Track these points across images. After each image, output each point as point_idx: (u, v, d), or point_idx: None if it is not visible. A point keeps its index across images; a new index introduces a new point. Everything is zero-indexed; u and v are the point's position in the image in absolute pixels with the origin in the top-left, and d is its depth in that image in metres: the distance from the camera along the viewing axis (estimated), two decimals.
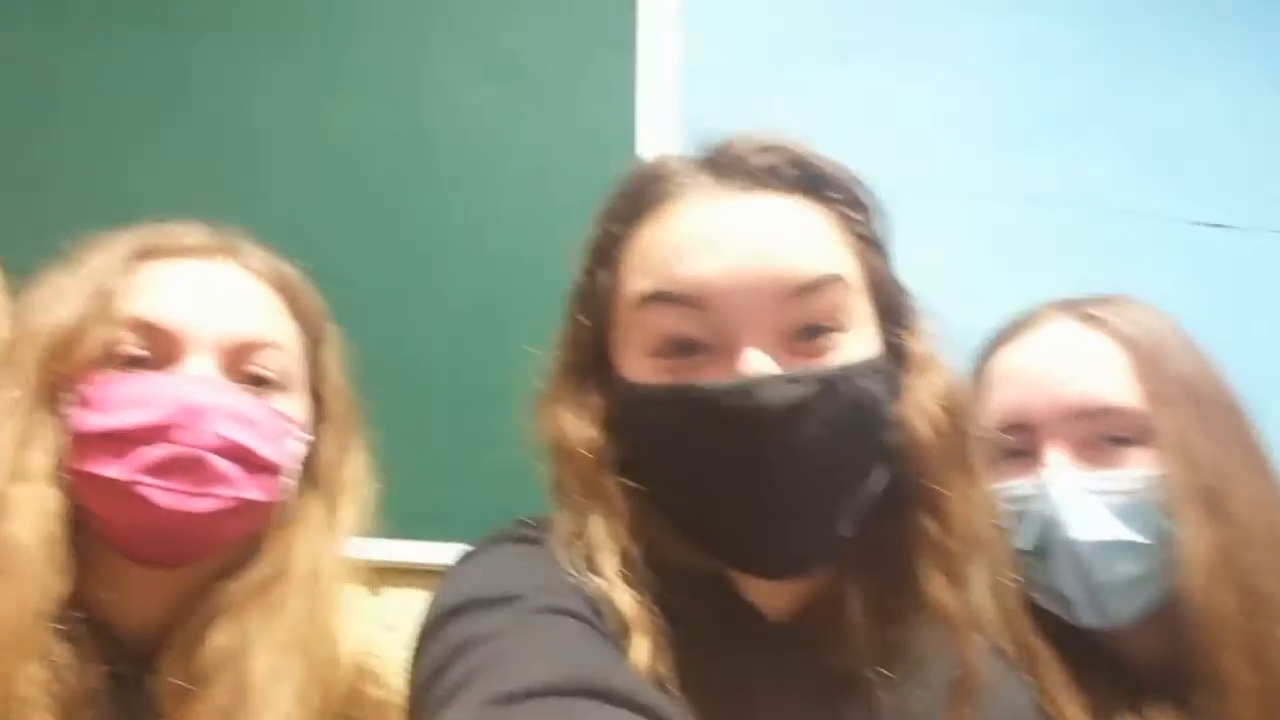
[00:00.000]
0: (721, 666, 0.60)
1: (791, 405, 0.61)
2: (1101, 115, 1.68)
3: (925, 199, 1.45)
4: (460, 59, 1.49)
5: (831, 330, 0.65)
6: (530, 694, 0.49)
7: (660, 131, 1.48)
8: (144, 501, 0.72)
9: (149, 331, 0.77)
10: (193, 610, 0.77)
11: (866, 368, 0.65)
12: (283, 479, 0.80)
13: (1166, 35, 1.77)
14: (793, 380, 0.62)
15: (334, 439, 0.86)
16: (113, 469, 0.73)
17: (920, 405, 0.66)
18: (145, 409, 0.74)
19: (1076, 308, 0.84)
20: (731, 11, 1.63)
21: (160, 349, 0.77)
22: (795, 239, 0.66)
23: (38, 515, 0.71)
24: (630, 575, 0.62)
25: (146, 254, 0.81)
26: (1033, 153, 1.64)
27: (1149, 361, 0.79)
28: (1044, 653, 0.75)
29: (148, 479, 0.72)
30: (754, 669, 0.63)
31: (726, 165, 0.69)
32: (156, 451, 0.73)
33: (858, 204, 0.70)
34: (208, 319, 0.79)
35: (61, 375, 0.75)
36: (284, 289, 0.86)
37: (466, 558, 0.69)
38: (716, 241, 0.65)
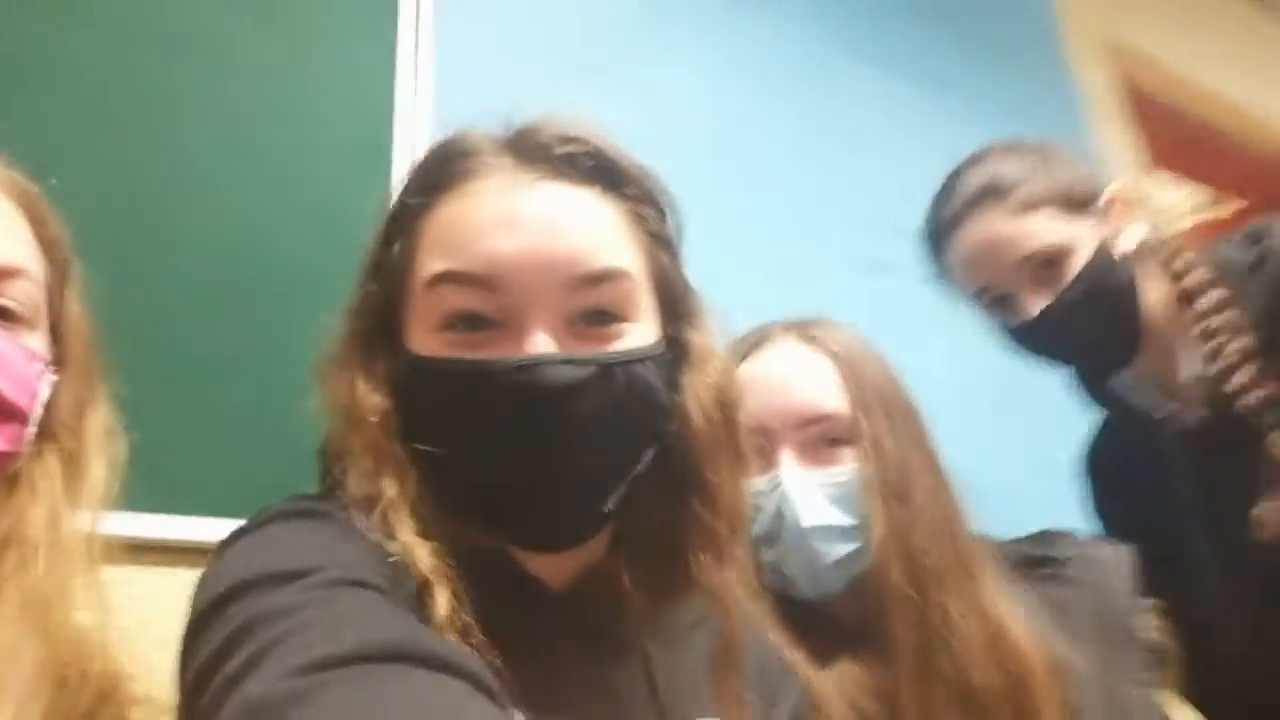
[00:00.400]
0: (509, 627, 0.62)
1: (570, 385, 0.64)
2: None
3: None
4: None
5: (615, 319, 0.68)
6: (337, 662, 0.47)
7: (414, 114, 1.39)
8: None
9: None
10: None
11: (644, 355, 0.69)
12: (27, 430, 0.69)
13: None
14: (572, 362, 0.65)
15: (74, 386, 0.75)
16: None
17: (696, 395, 0.72)
18: None
19: (798, 328, 0.96)
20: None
21: None
22: (587, 230, 0.68)
23: None
24: (425, 533, 0.63)
25: None
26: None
27: (853, 375, 0.92)
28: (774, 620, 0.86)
29: None
30: (538, 631, 0.67)
31: (529, 150, 0.70)
32: None
33: (651, 201, 0.74)
34: None
35: None
36: (31, 211, 0.73)
37: (240, 534, 0.64)
38: (512, 225, 0.67)
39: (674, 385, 0.72)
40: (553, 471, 0.65)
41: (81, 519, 0.71)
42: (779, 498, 0.88)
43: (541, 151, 0.70)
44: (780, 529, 0.88)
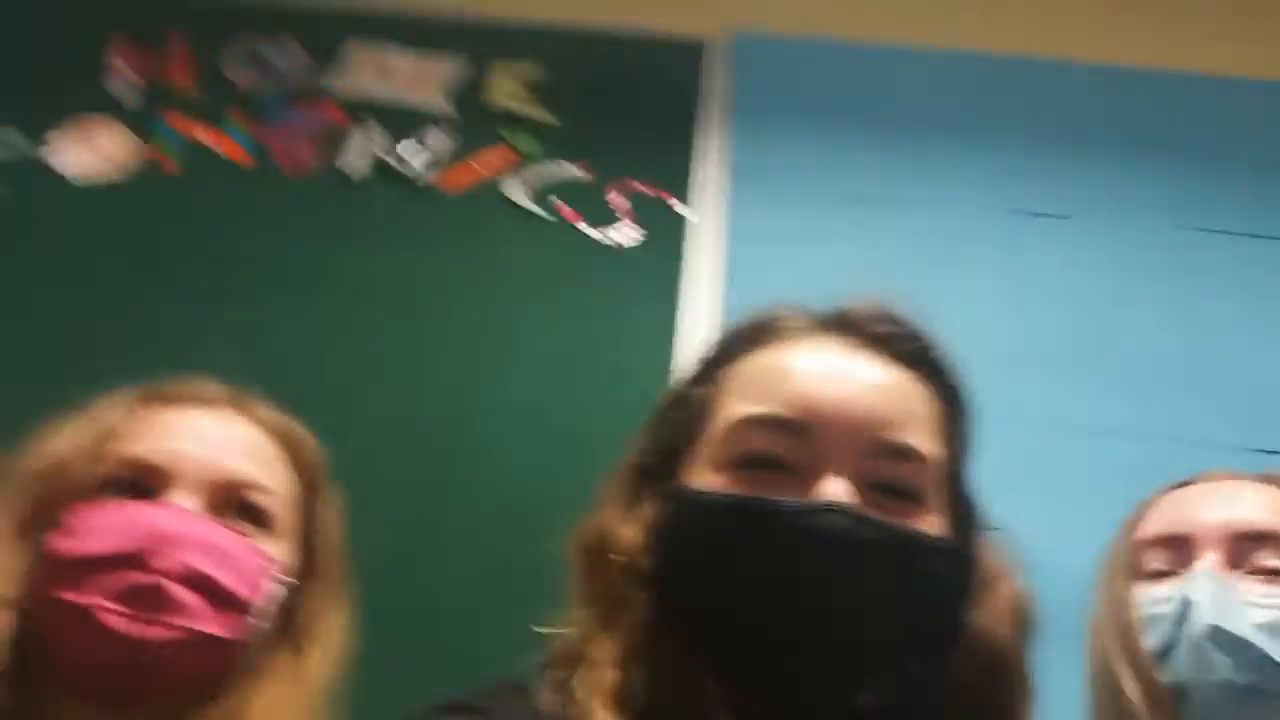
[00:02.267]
0: None
1: (862, 542, 0.58)
2: (1136, 344, 1.68)
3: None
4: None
5: (911, 500, 0.63)
6: None
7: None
8: (98, 627, 0.70)
9: (138, 465, 0.78)
10: None
11: (946, 547, 0.63)
12: (251, 620, 0.77)
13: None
14: (868, 522, 0.59)
15: (318, 593, 0.84)
16: (76, 594, 0.71)
17: (997, 611, 0.65)
18: (117, 536, 0.73)
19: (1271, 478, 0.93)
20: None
21: (148, 482, 0.77)
22: (900, 404, 0.65)
23: None
24: (620, 701, 0.59)
25: (151, 400, 0.84)
26: (1073, 379, 1.61)
27: None
28: None
29: (107, 603, 0.70)
30: None
31: (845, 325, 0.69)
32: (120, 578, 0.71)
33: (958, 401, 0.70)
34: (197, 457, 0.79)
35: (49, 504, 0.76)
36: (284, 440, 0.86)
37: None
38: (829, 378, 0.65)
39: (962, 596, 0.64)
40: (814, 629, 0.58)
41: (300, 707, 0.78)
42: (1187, 597, 0.84)
43: (859, 327, 0.69)
44: (1181, 635, 0.83)
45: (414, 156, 1.72)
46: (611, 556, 0.65)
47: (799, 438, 0.62)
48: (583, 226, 1.64)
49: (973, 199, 1.78)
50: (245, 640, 0.77)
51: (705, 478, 0.65)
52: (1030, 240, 1.73)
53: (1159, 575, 0.88)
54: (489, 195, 1.69)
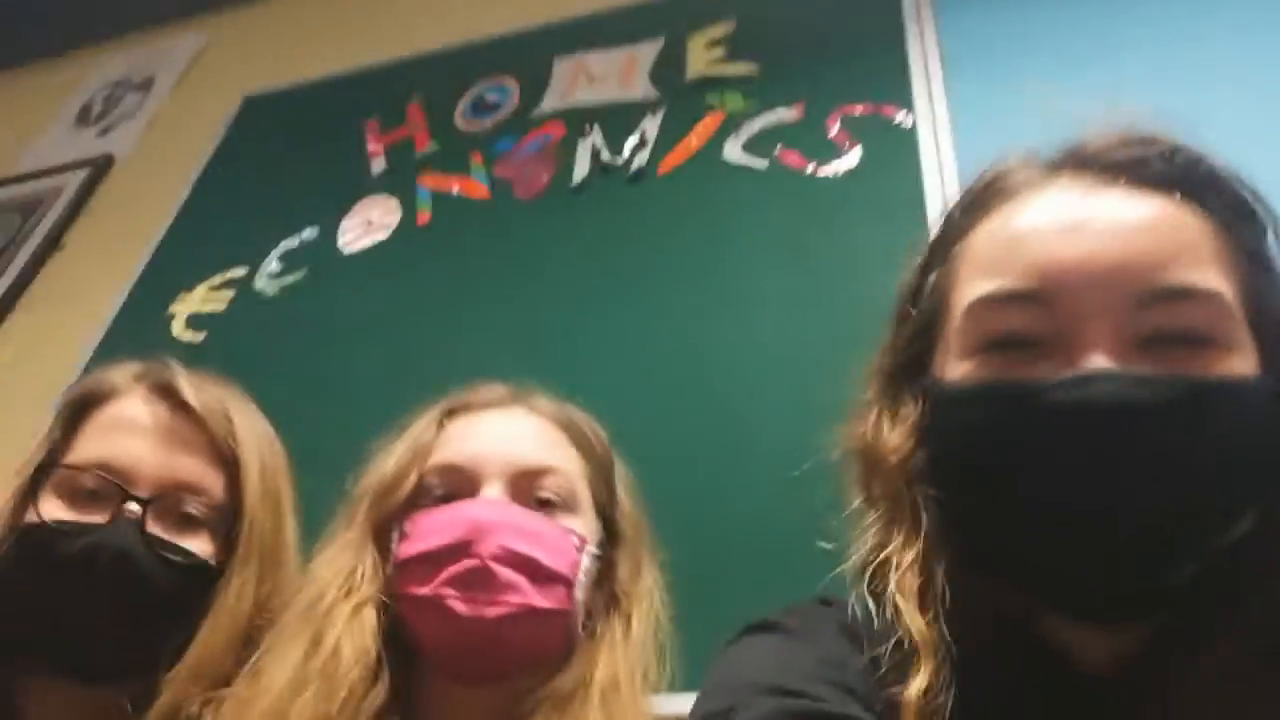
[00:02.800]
0: (1025, 717, 0.53)
1: (1136, 407, 0.52)
2: None
3: None
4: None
5: (1203, 343, 0.55)
6: None
7: None
8: (447, 612, 0.81)
9: (451, 472, 0.90)
10: None
11: (1251, 388, 0.54)
12: (573, 592, 0.86)
13: None
14: (1142, 382, 0.52)
15: (627, 559, 0.94)
16: (424, 587, 0.83)
17: None
18: (445, 533, 0.84)
19: None
20: None
21: (461, 485, 0.89)
22: (1165, 238, 0.57)
23: (357, 631, 0.82)
24: (927, 600, 0.57)
25: (452, 412, 0.96)
26: None
27: None
28: None
29: (449, 591, 0.82)
30: None
31: (1086, 159, 0.62)
32: (455, 567, 0.82)
33: (1246, 213, 0.60)
34: (497, 455, 0.90)
35: (386, 516, 0.89)
36: (567, 426, 0.96)
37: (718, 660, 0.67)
38: (1068, 231, 0.58)
39: None
40: (1107, 515, 0.52)
41: (636, 660, 0.87)
42: None
43: (1099, 158, 0.62)
44: None
45: (633, 150, 1.78)
46: (886, 462, 0.62)
47: (1045, 307, 0.56)
48: (810, 167, 1.61)
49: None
50: (572, 610, 0.86)
51: (956, 368, 0.60)
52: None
53: None
54: (709, 162, 1.71)
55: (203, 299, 1.93)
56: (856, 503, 0.67)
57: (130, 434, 0.93)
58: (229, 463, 0.96)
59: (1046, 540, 0.55)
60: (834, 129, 1.66)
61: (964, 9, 1.74)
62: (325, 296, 1.85)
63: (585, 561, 0.88)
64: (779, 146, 1.67)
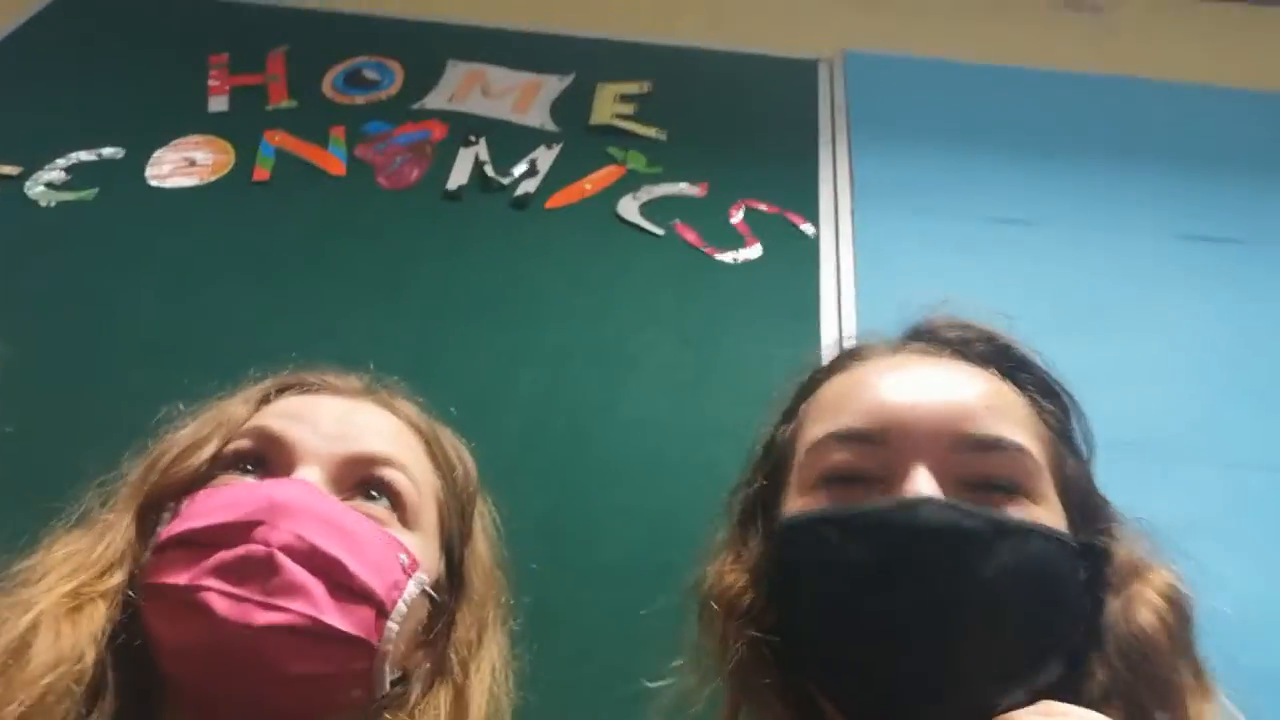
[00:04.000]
0: None
1: (959, 531, 0.56)
2: None
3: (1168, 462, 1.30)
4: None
5: (1012, 492, 0.60)
6: None
7: None
8: (203, 609, 0.57)
9: (263, 438, 0.67)
10: None
11: (1056, 536, 0.59)
12: (387, 623, 0.63)
13: None
14: (963, 510, 0.57)
15: (470, 615, 0.72)
16: (179, 575, 0.59)
17: (1143, 601, 0.60)
18: (228, 510, 0.61)
19: None
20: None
21: (272, 459, 0.67)
22: (982, 397, 0.63)
23: (68, 629, 0.58)
24: None
25: (285, 388, 0.74)
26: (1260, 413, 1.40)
27: None
28: None
29: (212, 582, 0.58)
30: None
31: (922, 335, 0.71)
32: (228, 553, 0.59)
33: (1052, 395, 0.68)
34: (326, 436, 0.68)
35: (161, 491, 0.66)
36: (429, 436, 0.75)
37: None
38: (901, 383, 0.64)
39: (1094, 595, 0.61)
40: (931, 640, 0.54)
41: None
42: None
43: (934, 336, 0.70)
44: None
45: (522, 174, 1.63)
46: (718, 600, 0.65)
47: (879, 445, 0.61)
48: (704, 247, 1.53)
49: (1102, 218, 1.65)
50: (378, 648, 0.63)
51: (795, 504, 0.64)
52: (1198, 266, 1.58)
53: None
54: (600, 212, 1.59)
55: None
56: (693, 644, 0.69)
57: None
58: None
59: (873, 669, 0.56)
60: (736, 217, 1.59)
61: (879, 146, 1.75)
62: (115, 226, 1.53)
63: (411, 589, 0.66)
64: (676, 220, 1.58)
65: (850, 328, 1.41)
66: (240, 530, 0.60)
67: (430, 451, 0.75)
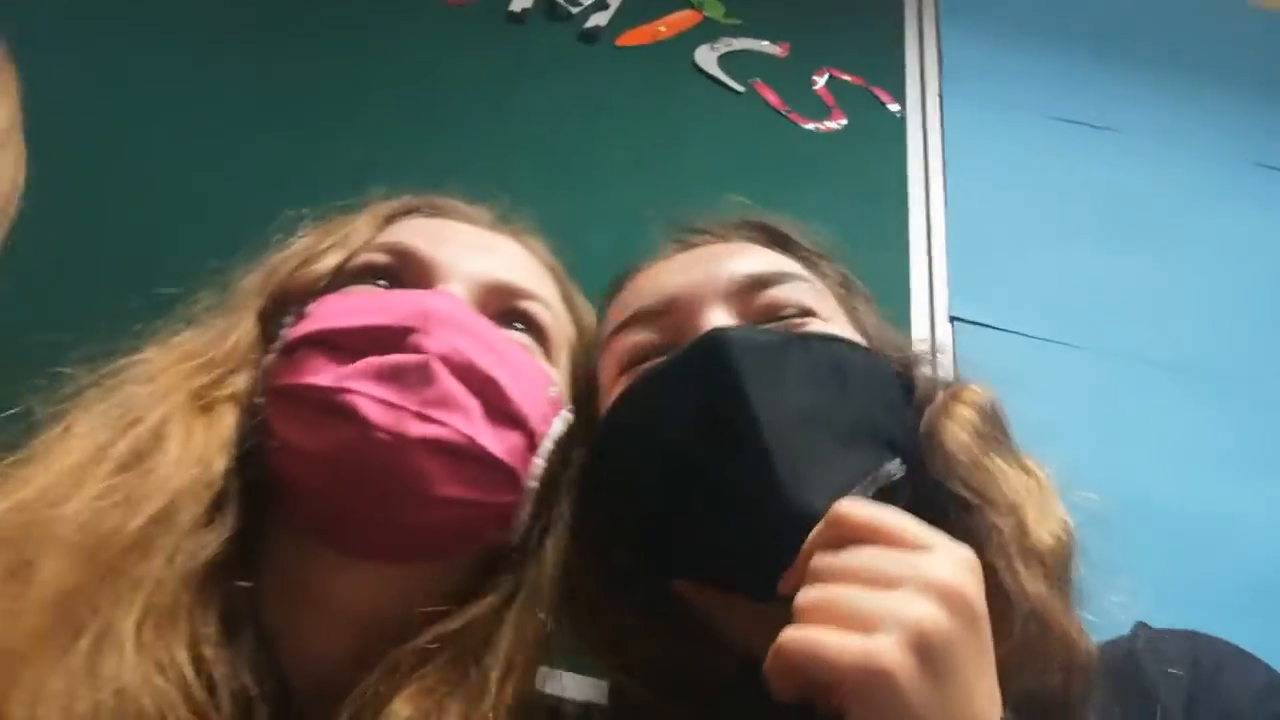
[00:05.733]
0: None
1: (765, 346, 0.56)
2: None
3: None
4: None
5: (802, 315, 0.61)
6: None
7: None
8: (350, 413, 0.50)
9: (405, 255, 0.60)
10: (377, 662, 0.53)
11: (855, 345, 0.61)
12: (534, 457, 0.58)
13: None
14: (761, 331, 0.59)
15: None
16: (319, 375, 0.52)
17: (954, 411, 0.61)
18: (376, 314, 0.54)
19: None
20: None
21: (408, 274, 0.59)
22: (759, 257, 0.66)
23: (200, 430, 0.52)
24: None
25: (412, 209, 0.69)
26: None
27: None
28: None
29: (362, 385, 0.51)
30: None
31: (687, 232, 0.72)
32: (380, 359, 0.52)
33: (823, 257, 0.71)
34: (468, 257, 0.61)
35: (285, 295, 0.59)
36: (563, 281, 0.70)
37: None
38: (676, 266, 0.66)
39: (906, 401, 0.62)
40: (763, 460, 0.52)
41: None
42: None
43: (700, 229, 0.72)
44: None
45: (592, 5, 1.49)
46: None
47: (666, 314, 0.62)
48: (787, 111, 1.42)
49: (1190, 140, 1.57)
50: (525, 482, 0.58)
51: (606, 399, 0.63)
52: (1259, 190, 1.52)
53: None
54: (676, 58, 1.46)
55: None
56: None
57: None
58: None
59: (716, 516, 0.55)
60: (819, 83, 1.48)
61: (970, 28, 1.64)
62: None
63: (557, 426, 0.61)
64: (757, 79, 1.46)
65: (938, 213, 1.32)
66: (393, 335, 0.53)
67: (565, 294, 0.69)
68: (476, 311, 0.59)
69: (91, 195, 1.06)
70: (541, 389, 0.60)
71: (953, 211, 1.34)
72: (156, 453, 0.50)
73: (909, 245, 1.29)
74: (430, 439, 0.52)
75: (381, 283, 0.60)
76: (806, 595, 0.46)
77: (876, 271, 1.20)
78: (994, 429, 0.61)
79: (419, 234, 0.63)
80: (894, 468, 0.56)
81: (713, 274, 0.62)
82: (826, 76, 1.49)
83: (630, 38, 1.47)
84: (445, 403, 0.53)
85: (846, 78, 1.50)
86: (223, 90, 1.25)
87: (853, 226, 1.25)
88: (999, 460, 0.59)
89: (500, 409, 0.56)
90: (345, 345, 0.53)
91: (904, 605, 0.43)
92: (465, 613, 0.56)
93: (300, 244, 0.64)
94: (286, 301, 0.60)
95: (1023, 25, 1.69)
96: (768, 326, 0.59)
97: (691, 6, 1.54)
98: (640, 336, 0.62)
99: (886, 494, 0.55)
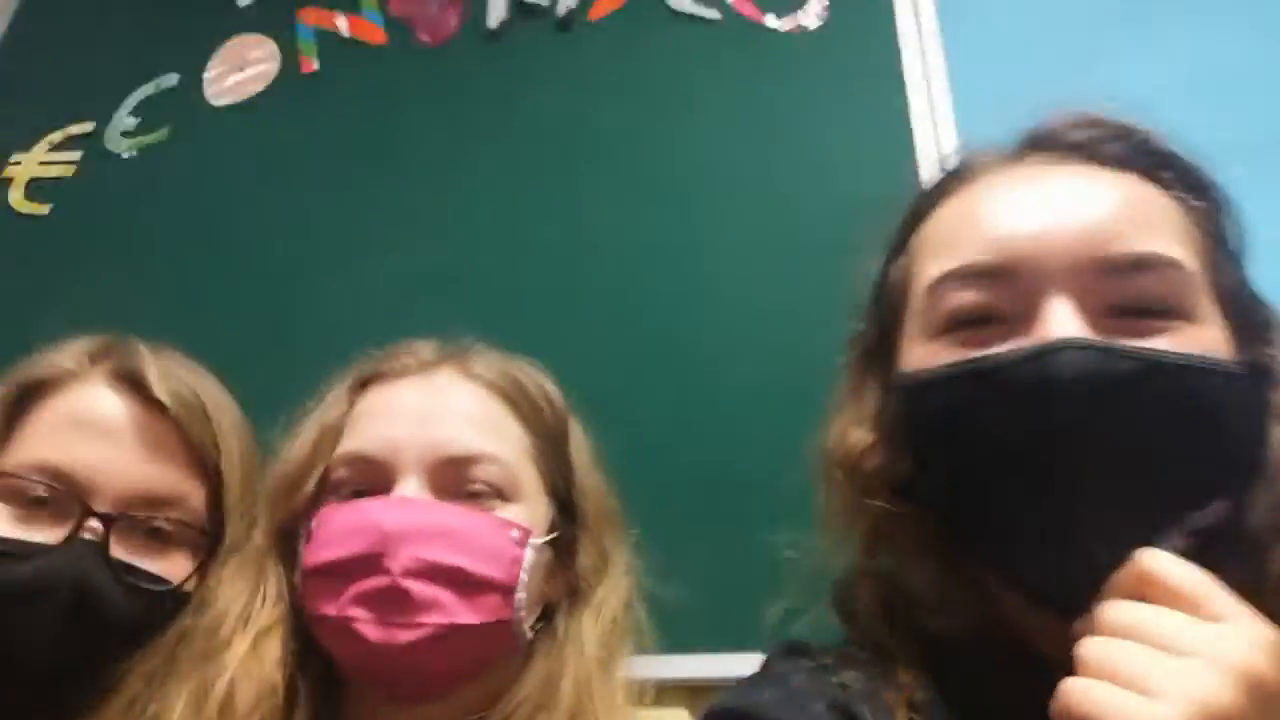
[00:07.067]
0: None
1: (1102, 377, 0.50)
2: None
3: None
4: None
5: (1166, 315, 0.54)
6: None
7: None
8: (357, 637, 0.67)
9: (361, 463, 0.73)
10: None
11: (1216, 365, 0.53)
12: (514, 596, 0.71)
13: None
14: (1108, 351, 0.51)
15: (590, 543, 0.77)
16: (330, 606, 0.69)
17: None
18: (351, 541, 0.69)
19: None
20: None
21: (373, 479, 0.73)
22: (1122, 208, 0.56)
23: (256, 668, 0.69)
24: (892, 609, 0.59)
25: (367, 381, 0.79)
26: None
27: None
28: None
29: (358, 613, 0.67)
30: None
31: (1043, 143, 0.63)
32: (363, 585, 0.68)
33: (1204, 192, 0.60)
34: (415, 441, 0.73)
35: (291, 515, 0.74)
36: (511, 392, 0.78)
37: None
38: (1025, 206, 0.58)
39: (1258, 423, 0.55)
40: (1077, 495, 0.51)
41: (610, 673, 0.73)
42: None
43: (1059, 139, 0.62)
44: None
45: None
46: (844, 465, 0.62)
47: (1006, 281, 0.56)
48: (767, 19, 1.40)
49: None
50: (511, 618, 0.71)
51: (919, 354, 0.59)
52: None
53: None
54: (653, 9, 1.47)
55: (42, 161, 1.61)
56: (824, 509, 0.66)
57: (90, 433, 0.76)
58: (208, 471, 0.79)
59: (1016, 531, 0.53)
60: None
61: None
62: (194, 157, 1.56)
63: (529, 557, 0.72)
64: None
65: (942, 102, 1.28)
66: (366, 562, 0.68)
67: (515, 409, 0.78)
68: (430, 496, 0.72)
69: None
70: (504, 542, 0.72)
71: (957, 92, 1.28)
72: (231, 705, 0.67)
73: (912, 130, 1.27)
74: (418, 640, 0.66)
75: (355, 492, 0.74)
76: (1094, 646, 0.45)
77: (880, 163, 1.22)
78: None
79: (373, 423, 0.76)
80: (1215, 512, 0.52)
81: (1075, 244, 0.55)
82: None
83: (603, 5, 1.50)
84: (420, 608, 0.67)
85: None
86: None
87: (855, 130, 1.27)
88: None
89: (470, 584, 0.69)
90: (338, 572, 0.69)
91: (1192, 677, 0.41)
92: (516, 692, 0.72)
93: (289, 458, 0.77)
94: (294, 522, 0.75)
95: None
96: (1126, 346, 0.52)
97: None
98: (975, 297, 0.57)
99: (1208, 536, 0.51)
